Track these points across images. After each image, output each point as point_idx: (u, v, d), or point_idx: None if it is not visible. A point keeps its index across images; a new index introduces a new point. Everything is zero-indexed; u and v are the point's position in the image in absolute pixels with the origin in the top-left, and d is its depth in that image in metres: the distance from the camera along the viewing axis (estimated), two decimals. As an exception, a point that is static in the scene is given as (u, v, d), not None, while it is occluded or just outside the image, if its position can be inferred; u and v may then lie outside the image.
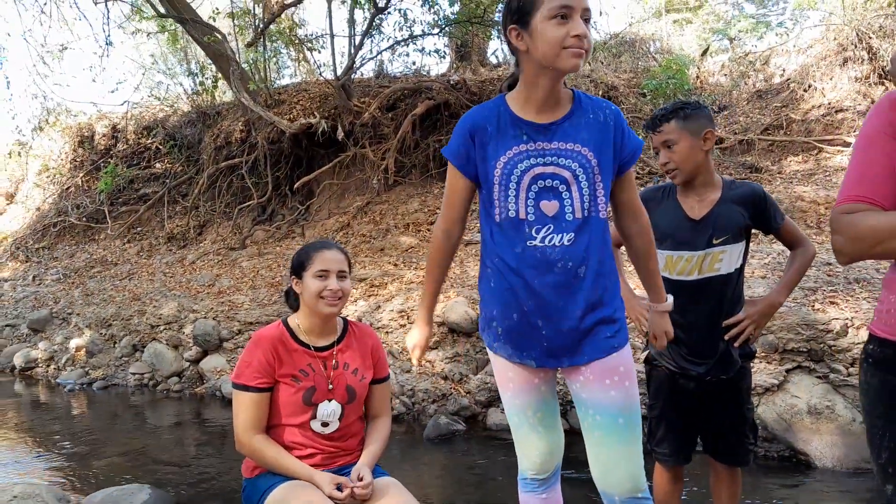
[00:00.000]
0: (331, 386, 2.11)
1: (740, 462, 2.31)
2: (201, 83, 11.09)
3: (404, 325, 5.40)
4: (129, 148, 11.37)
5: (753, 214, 2.16)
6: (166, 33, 11.86)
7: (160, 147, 11.03)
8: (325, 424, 2.10)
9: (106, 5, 9.95)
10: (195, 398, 5.95)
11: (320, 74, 9.96)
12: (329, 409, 2.10)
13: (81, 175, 11.34)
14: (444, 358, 5.07)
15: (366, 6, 9.00)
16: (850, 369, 3.71)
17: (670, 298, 1.92)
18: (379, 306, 5.80)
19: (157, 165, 11.06)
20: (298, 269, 2.15)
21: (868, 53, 7.84)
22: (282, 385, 2.07)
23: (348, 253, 2.25)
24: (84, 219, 10.66)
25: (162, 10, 9.59)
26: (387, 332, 5.42)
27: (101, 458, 4.32)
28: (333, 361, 2.15)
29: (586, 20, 1.55)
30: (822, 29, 9.26)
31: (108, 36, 10.55)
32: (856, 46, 7.94)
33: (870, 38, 7.78)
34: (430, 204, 8.22)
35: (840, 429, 3.58)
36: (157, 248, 9.67)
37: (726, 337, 2.18)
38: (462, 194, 1.79)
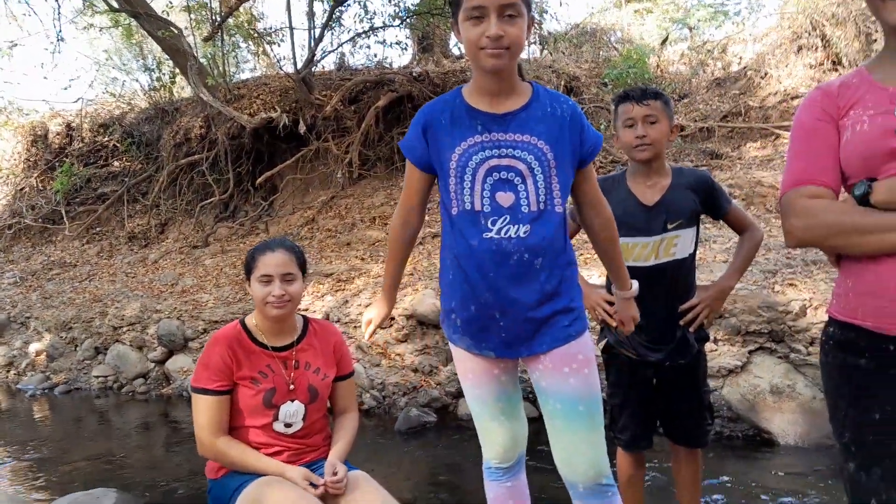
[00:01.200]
0: (292, 386, 2.07)
1: (700, 443, 2.36)
2: (158, 79, 10.85)
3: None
4: (85, 146, 11.06)
5: (703, 200, 2.21)
6: (120, 28, 11.55)
7: (117, 145, 10.75)
8: (287, 425, 2.07)
9: (56, 0, 9.66)
10: (162, 399, 5.85)
11: (280, 68, 9.82)
12: (291, 410, 2.06)
13: (36, 175, 10.99)
14: (414, 350, 5.06)
15: (325, -2, 8.90)
16: (810, 349, 3.80)
17: (635, 284, 1.95)
18: (346, 301, 5.76)
19: (115, 164, 10.79)
20: (247, 271, 2.12)
21: (822, 41, 8.03)
22: (241, 387, 2.03)
23: (299, 250, 2.17)
24: (40, 220, 10.35)
25: (115, 4, 9.34)
26: (355, 327, 5.38)
27: (67, 463, 4.22)
28: (294, 361, 2.11)
29: (510, 16, 1.52)
30: (777, 17, 9.45)
31: (60, 31, 10.18)
32: (809, 34, 8.13)
33: (823, 25, 7.96)
34: (395, 197, 8.18)
35: (801, 407, 3.67)
36: (118, 248, 9.45)
37: (682, 322, 2.21)
38: (418, 185, 1.79)
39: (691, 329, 2.23)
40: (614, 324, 2.06)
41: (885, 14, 1.28)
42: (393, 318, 5.23)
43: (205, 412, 2.00)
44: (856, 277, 1.33)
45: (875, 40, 7.58)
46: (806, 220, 1.32)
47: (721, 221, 2.33)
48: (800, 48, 8.24)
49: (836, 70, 7.88)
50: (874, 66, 1.35)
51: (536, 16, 9.23)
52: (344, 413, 2.26)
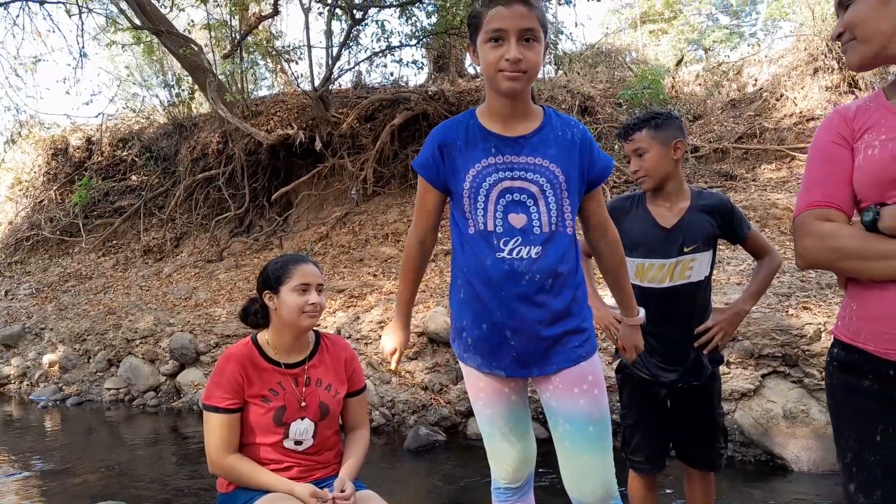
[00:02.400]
0: (303, 403, 2.08)
1: (713, 466, 2.33)
2: (177, 95, 11.02)
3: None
4: (104, 160, 11.23)
5: (721, 224, 2.20)
6: (142, 45, 11.76)
7: (136, 159, 10.91)
8: (298, 442, 2.07)
9: (80, 17, 9.86)
10: (172, 412, 5.87)
11: (298, 86, 9.93)
12: (302, 428, 2.07)
13: (55, 188, 11.17)
14: (424, 368, 5.05)
15: (343, 18, 9.00)
16: (825, 373, 3.75)
17: (642, 312, 1.94)
18: (358, 317, 5.77)
19: (133, 178, 10.94)
20: (274, 283, 2.10)
21: (838, 63, 8.00)
22: (252, 405, 2.03)
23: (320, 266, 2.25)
24: (58, 232, 10.50)
25: (137, 21, 9.52)
26: (366, 344, 5.39)
27: (76, 475, 4.23)
28: (305, 378, 2.12)
29: (527, 40, 1.57)
30: (793, 39, 9.44)
31: (83, 48, 10.38)
32: (825, 56, 8.11)
33: (839, 47, 7.93)
34: (409, 214, 8.21)
35: (815, 432, 3.62)
36: (133, 261, 9.55)
37: (696, 344, 2.20)
38: (433, 205, 1.80)
39: (705, 351, 2.22)
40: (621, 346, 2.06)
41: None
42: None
43: (216, 430, 2.01)
44: (860, 301, 1.34)
45: (893, 63, 7.54)
46: (817, 242, 1.34)
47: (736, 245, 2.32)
48: (816, 70, 8.22)
49: (853, 92, 7.85)
50: (891, 89, 1.37)
51: (552, 36, 9.30)
52: (355, 429, 2.26)
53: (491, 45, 1.58)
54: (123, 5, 9.71)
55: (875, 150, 1.30)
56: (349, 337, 5.47)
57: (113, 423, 5.72)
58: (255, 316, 2.20)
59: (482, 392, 1.81)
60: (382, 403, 4.94)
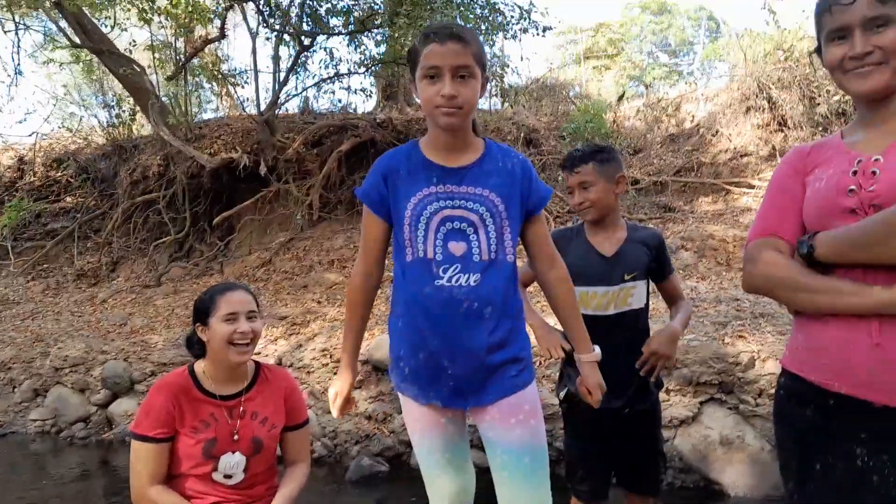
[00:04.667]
0: (236, 437, 2.02)
1: (653, 491, 2.37)
2: (118, 115, 10.71)
3: (327, 365, 5.28)
4: (37, 181, 10.76)
5: (654, 257, 2.30)
6: (81, 64, 11.43)
7: (71, 180, 10.50)
8: (227, 476, 2.01)
9: (16, 33, 9.55)
10: (102, 445, 5.59)
11: (244, 109, 9.83)
12: (232, 462, 2.00)
13: (-18, 209, 10.65)
14: (368, 397, 4.98)
15: (291, 44, 8.99)
16: (758, 400, 3.87)
17: (597, 349, 1.89)
18: (300, 345, 5.66)
19: (68, 199, 10.52)
20: (204, 314, 2.05)
21: (768, 103, 8.41)
22: (182, 436, 1.97)
23: (254, 294, 2.19)
24: (-17, 255, 9.97)
25: (76, 40, 9.27)
26: (308, 373, 5.28)
27: (-7, 514, 3.98)
28: (241, 410, 2.06)
29: (462, 76, 1.60)
30: (727, 79, 9.90)
31: (18, 65, 10.07)
32: (757, 96, 8.51)
33: (769, 88, 8.35)
34: (355, 240, 8.15)
35: (750, 458, 3.71)
36: (65, 286, 9.14)
37: (642, 373, 2.24)
38: (378, 235, 1.79)
39: (652, 378, 2.25)
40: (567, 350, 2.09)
41: (846, 85, 1.38)
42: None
43: (142, 459, 1.95)
44: (805, 333, 1.38)
45: (818, 104, 7.98)
46: (758, 269, 1.41)
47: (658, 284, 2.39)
48: (748, 109, 8.62)
49: (782, 131, 8.25)
50: (849, 130, 1.45)
51: (498, 69, 9.49)
52: (294, 464, 2.20)
53: (427, 81, 1.61)
54: (62, 23, 9.44)
55: (822, 182, 1.37)
56: (290, 366, 5.35)
57: (38, 456, 5.41)
58: (196, 347, 2.14)
59: (418, 423, 1.80)
60: (324, 433, 4.83)
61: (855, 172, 1.32)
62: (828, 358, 1.31)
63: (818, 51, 1.44)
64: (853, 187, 1.30)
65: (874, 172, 1.29)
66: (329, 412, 5.00)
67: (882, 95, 1.34)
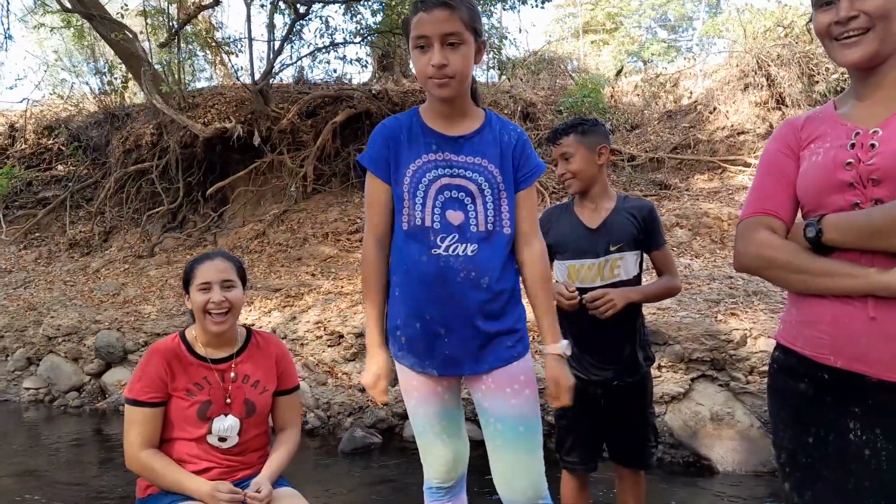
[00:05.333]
0: (228, 400, 2.03)
1: (645, 465, 2.39)
2: (110, 83, 10.56)
3: (321, 337, 5.29)
4: (28, 148, 10.64)
5: (643, 227, 2.28)
6: (72, 29, 11.23)
7: (63, 148, 10.38)
8: (222, 439, 2.02)
9: (5, -4, 9.36)
10: (96, 414, 5.62)
11: (238, 78, 9.69)
12: (226, 424, 2.02)
13: (-27, 176, 10.53)
14: (362, 369, 4.99)
15: (286, 12, 8.84)
16: (749, 377, 3.90)
17: (565, 343, 1.77)
18: (294, 317, 5.66)
19: (60, 168, 10.41)
20: (186, 284, 2.09)
21: (766, 80, 8.36)
22: (175, 398, 1.99)
23: (238, 260, 2.18)
24: (-25, 223, 9.90)
25: (67, 4, 9.09)
26: (302, 345, 5.29)
27: (-12, 480, 4.00)
28: (232, 374, 2.06)
29: (452, 44, 1.56)
30: (726, 56, 9.82)
31: (8, 29, 9.90)
32: (756, 73, 8.45)
33: (768, 65, 8.29)
34: (350, 213, 8.12)
35: (740, 434, 3.76)
36: (58, 255, 9.10)
37: (586, 297, 2.19)
38: (384, 199, 1.75)
39: (592, 307, 2.18)
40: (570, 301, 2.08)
41: (834, 55, 1.35)
42: (342, 336, 5.16)
43: (135, 424, 1.97)
44: (799, 307, 1.38)
45: (817, 81, 7.94)
46: (751, 248, 1.40)
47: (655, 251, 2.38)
48: (746, 86, 8.56)
49: (780, 109, 8.21)
50: (842, 100, 1.42)
51: (496, 41, 9.38)
52: (284, 429, 2.22)
53: (418, 52, 1.60)
54: (53, -13, 9.27)
55: (818, 156, 1.35)
56: (284, 337, 5.35)
57: (31, 424, 5.43)
58: (190, 313, 2.16)
59: (415, 391, 1.81)
60: (318, 405, 4.85)
61: (853, 145, 1.30)
62: (822, 332, 1.31)
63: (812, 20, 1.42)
64: (851, 160, 1.29)
65: (873, 145, 1.27)
66: (323, 384, 5.03)
67: (871, 65, 1.31)
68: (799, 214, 1.43)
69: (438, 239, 1.66)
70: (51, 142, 10.52)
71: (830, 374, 1.30)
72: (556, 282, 2.22)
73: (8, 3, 9.53)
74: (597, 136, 2.28)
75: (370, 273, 1.77)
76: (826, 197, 1.32)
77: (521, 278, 1.81)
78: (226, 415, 2.02)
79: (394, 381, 1.82)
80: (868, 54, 1.29)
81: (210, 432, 2.00)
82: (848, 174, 1.29)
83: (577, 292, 2.18)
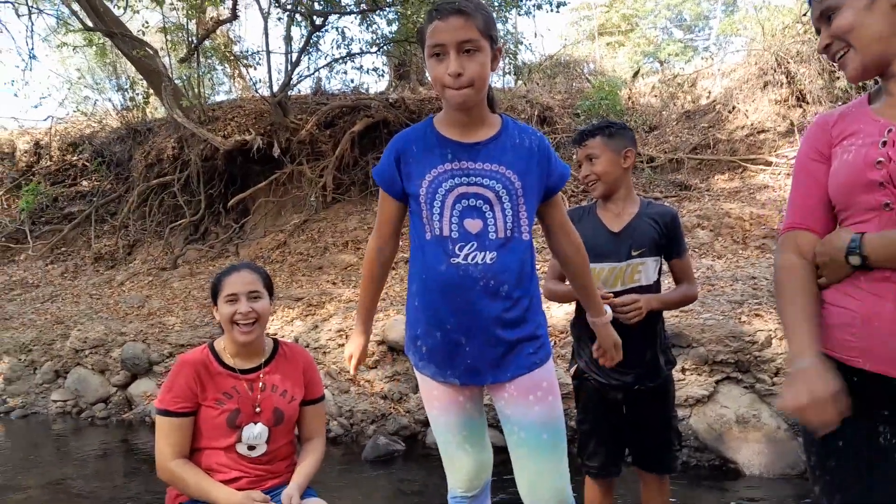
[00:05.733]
0: (258, 409, 2.05)
1: (668, 469, 2.36)
2: (132, 98, 10.75)
3: (342, 345, 5.31)
4: (54, 165, 10.88)
5: (666, 233, 2.26)
6: (94, 47, 11.46)
7: (87, 164, 10.60)
8: (251, 448, 2.04)
9: (30, 17, 9.56)
10: (122, 425, 5.69)
11: (256, 91, 9.81)
12: (255, 432, 2.04)
13: (1, 193, 10.77)
14: (384, 377, 5.01)
15: (303, 23, 8.94)
16: (775, 379, 3.84)
17: (609, 309, 1.98)
18: (316, 326, 5.70)
19: (84, 183, 10.62)
20: (214, 296, 2.12)
21: (786, 77, 8.26)
22: (205, 408, 2.01)
23: (264, 271, 2.21)
24: (3, 239, 10.11)
25: (89, 23, 9.28)
26: (324, 353, 5.32)
27: (20, 491, 4.07)
28: (260, 384, 2.09)
29: (468, 51, 1.56)
30: (745, 54, 9.73)
31: (32, 49, 10.09)
32: (775, 71, 8.35)
33: (788, 63, 8.19)
34: (369, 221, 8.16)
35: (766, 437, 3.70)
36: (83, 268, 9.26)
37: (616, 301, 2.18)
38: (391, 215, 1.80)
39: (622, 311, 2.18)
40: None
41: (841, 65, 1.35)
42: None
43: (165, 434, 1.99)
44: (827, 310, 1.36)
45: (838, 77, 7.82)
46: (775, 268, 1.44)
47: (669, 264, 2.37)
48: (766, 84, 8.47)
49: (801, 106, 8.11)
50: (875, 94, 1.39)
51: (512, 46, 9.39)
52: (310, 439, 2.23)
53: (434, 60, 1.59)
54: (75, 6, 9.45)
55: (850, 154, 1.32)
56: (307, 346, 5.39)
57: (59, 436, 5.52)
58: (219, 325, 2.20)
59: (437, 400, 1.81)
60: (341, 413, 4.88)
61: (885, 143, 1.27)
62: (851, 334, 1.29)
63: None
64: (881, 159, 1.25)
65: None
66: (346, 392, 5.05)
67: (869, 76, 1.31)
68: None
69: (457, 248, 1.65)
70: (75, 158, 10.74)
71: (860, 377, 1.28)
72: None
73: (32, 24, 9.72)
74: (623, 140, 2.27)
75: (366, 273, 1.92)
76: (856, 196, 1.30)
77: (564, 268, 1.91)
78: (255, 423, 2.04)
79: (416, 387, 1.84)
80: (857, 70, 1.30)
81: (239, 440, 2.03)
82: (878, 173, 1.26)
83: (609, 295, 2.17)
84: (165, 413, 2.00)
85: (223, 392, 2.03)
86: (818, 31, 1.37)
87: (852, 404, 1.29)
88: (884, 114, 1.32)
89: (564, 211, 1.84)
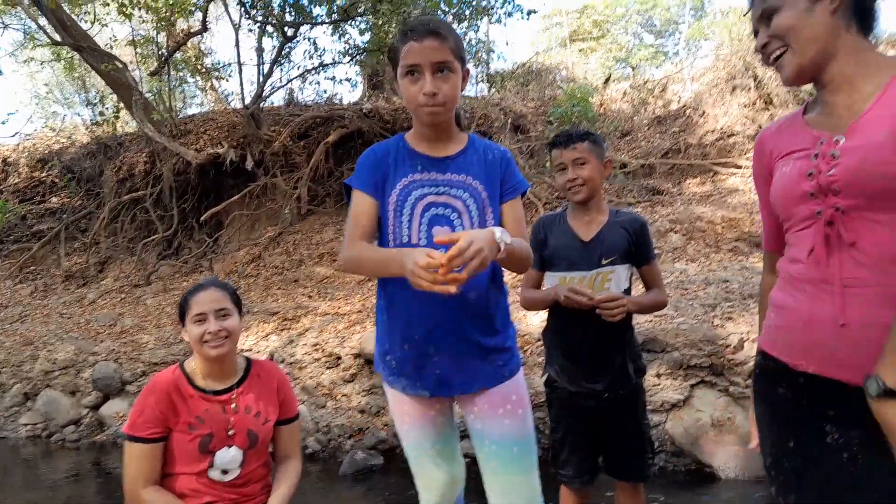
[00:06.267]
0: (231, 431, 2.01)
1: (641, 477, 2.36)
2: (101, 113, 10.62)
3: (319, 360, 5.27)
4: (22, 182, 10.68)
5: (635, 241, 2.28)
6: (62, 62, 11.30)
7: (56, 180, 10.42)
8: (224, 472, 2.00)
9: (-6, 32, 9.41)
10: (94, 447, 5.57)
11: (228, 103, 9.75)
12: (229, 457, 2.00)
13: (-32, 212, 10.55)
14: (361, 391, 4.97)
15: (274, 35, 8.90)
16: (748, 381, 3.88)
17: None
18: (292, 340, 5.64)
19: (53, 200, 10.44)
20: (182, 316, 2.07)
21: (754, 81, 8.40)
22: (176, 433, 1.96)
23: (232, 287, 2.17)
24: (-29, 258, 9.90)
25: (57, 37, 9.14)
26: (300, 368, 5.27)
27: (-14, 520, 3.97)
28: (233, 405, 2.05)
29: (442, 71, 1.60)
30: (713, 59, 9.87)
31: (-2, 64, 9.90)
32: (743, 75, 8.50)
33: (755, 67, 8.33)
34: (345, 231, 8.11)
35: (741, 439, 3.73)
36: (53, 287, 9.09)
37: (601, 296, 2.15)
38: (369, 211, 1.71)
39: (607, 314, 2.15)
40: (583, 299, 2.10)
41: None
42: (339, 358, 5.14)
43: (135, 460, 1.94)
44: (777, 312, 1.40)
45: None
46: (761, 290, 1.61)
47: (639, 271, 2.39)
48: (734, 88, 8.60)
49: (768, 109, 8.24)
50: (812, 103, 1.42)
51: (484, 55, 9.43)
52: (286, 459, 2.19)
53: (409, 79, 1.62)
54: (42, 21, 9.31)
55: (788, 167, 1.35)
56: (282, 361, 5.33)
57: (30, 460, 5.38)
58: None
59: (407, 415, 1.81)
60: (318, 429, 4.82)
61: (816, 155, 1.30)
62: (795, 338, 1.32)
63: None
64: (812, 171, 1.29)
65: (834, 155, 1.26)
66: (322, 407, 4.99)
67: (805, 79, 1.33)
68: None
69: None
70: (44, 175, 10.55)
71: (805, 379, 1.31)
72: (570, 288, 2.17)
73: (-3, 38, 9.55)
74: (603, 150, 2.31)
75: (361, 250, 1.67)
76: (793, 207, 1.33)
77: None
78: (228, 447, 2.00)
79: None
80: (794, 72, 1.32)
81: (212, 466, 1.98)
82: (809, 184, 1.29)
83: (589, 292, 2.15)
84: (135, 439, 1.94)
85: (195, 416, 1.99)
86: (756, 33, 1.39)
87: (801, 405, 1.33)
88: (817, 124, 1.35)
89: (518, 223, 1.77)
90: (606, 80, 10.92)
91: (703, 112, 8.82)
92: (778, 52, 1.33)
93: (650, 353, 4.13)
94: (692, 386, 4.02)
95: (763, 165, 1.46)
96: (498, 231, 1.53)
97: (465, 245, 1.38)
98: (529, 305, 2.46)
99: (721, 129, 8.39)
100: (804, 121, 1.39)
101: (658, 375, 4.04)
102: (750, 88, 8.41)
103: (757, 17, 1.36)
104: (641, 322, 4.23)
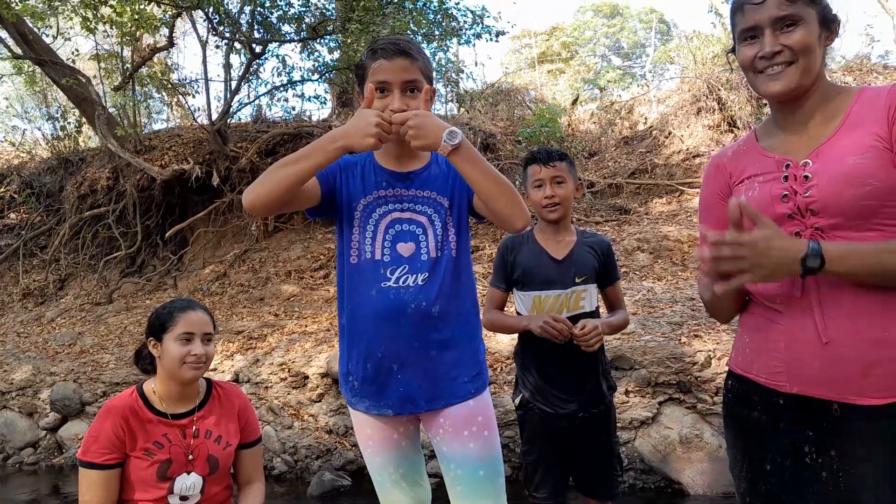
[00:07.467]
0: (191, 457, 1.95)
1: (611, 495, 2.37)
2: (63, 128, 10.39)
3: (285, 379, 5.17)
4: (-22, 197, 10.39)
5: (603, 262, 2.33)
6: (23, 75, 11.06)
7: (14, 196, 10.14)
8: (184, 498, 1.94)
9: (-48, 44, 9.17)
10: (53, 470, 5.38)
11: (195, 119, 9.61)
12: (188, 483, 1.94)
13: (-79, 228, 10.21)
14: (328, 410, 4.89)
15: (242, 51, 8.84)
16: (715, 398, 3.91)
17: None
18: (258, 360, 5.53)
19: (12, 216, 10.16)
20: (159, 330, 1.99)
21: (718, 104, 8.59)
22: (133, 459, 1.90)
23: (212, 312, 2.14)
24: (-77, 276, 9.55)
25: (18, 50, 8.95)
26: (266, 388, 5.16)
27: (-68, 551, 3.78)
28: (194, 429, 1.99)
29: (411, 90, 1.60)
30: (679, 81, 10.08)
31: (-44, 77, 9.66)
32: (707, 97, 8.69)
33: (719, 90, 8.53)
34: (313, 250, 8.03)
35: (709, 455, 3.75)
36: (10, 305, 8.81)
37: (577, 329, 2.16)
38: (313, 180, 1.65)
39: (585, 343, 2.17)
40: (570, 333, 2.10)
41: (758, 86, 1.37)
42: (307, 377, 5.06)
43: (91, 487, 1.88)
44: (752, 334, 1.39)
45: (765, 104, 8.17)
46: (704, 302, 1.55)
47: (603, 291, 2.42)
48: (699, 110, 8.79)
49: (732, 132, 8.43)
50: (762, 131, 1.44)
51: (453, 75, 9.50)
52: (248, 483, 2.14)
53: (376, 95, 1.62)
54: (3, 34, 9.11)
55: (755, 191, 1.37)
56: (248, 381, 5.23)
57: (-18, 485, 5.18)
58: (145, 361, 2.08)
59: (370, 439, 1.79)
60: (284, 450, 4.72)
61: (787, 178, 1.32)
62: (777, 359, 1.32)
63: (734, 50, 1.44)
64: (786, 193, 1.31)
65: (806, 177, 1.29)
66: (289, 427, 4.89)
67: (794, 96, 1.34)
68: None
69: (388, 271, 1.68)
70: (2, 190, 10.28)
71: (785, 400, 1.31)
72: (547, 316, 2.16)
73: (-45, 51, 9.32)
74: (575, 172, 2.35)
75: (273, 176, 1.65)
76: None
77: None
78: (188, 472, 1.95)
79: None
80: (790, 86, 1.32)
81: (171, 492, 1.93)
82: (785, 206, 1.31)
83: (569, 324, 2.14)
84: (91, 465, 1.89)
85: (154, 441, 1.93)
86: (755, 31, 1.34)
87: (778, 428, 1.33)
88: (777, 149, 1.37)
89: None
90: (574, 101, 11.07)
91: (669, 133, 8.98)
92: (784, 64, 1.32)
93: (618, 371, 4.14)
94: (660, 403, 4.04)
95: (722, 183, 1.47)
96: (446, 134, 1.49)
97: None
98: (494, 328, 2.43)
99: (687, 149, 8.56)
100: (760, 147, 1.41)
101: (626, 393, 4.05)
102: (714, 111, 8.60)
103: (772, 19, 1.30)
104: (609, 340, 4.24)
